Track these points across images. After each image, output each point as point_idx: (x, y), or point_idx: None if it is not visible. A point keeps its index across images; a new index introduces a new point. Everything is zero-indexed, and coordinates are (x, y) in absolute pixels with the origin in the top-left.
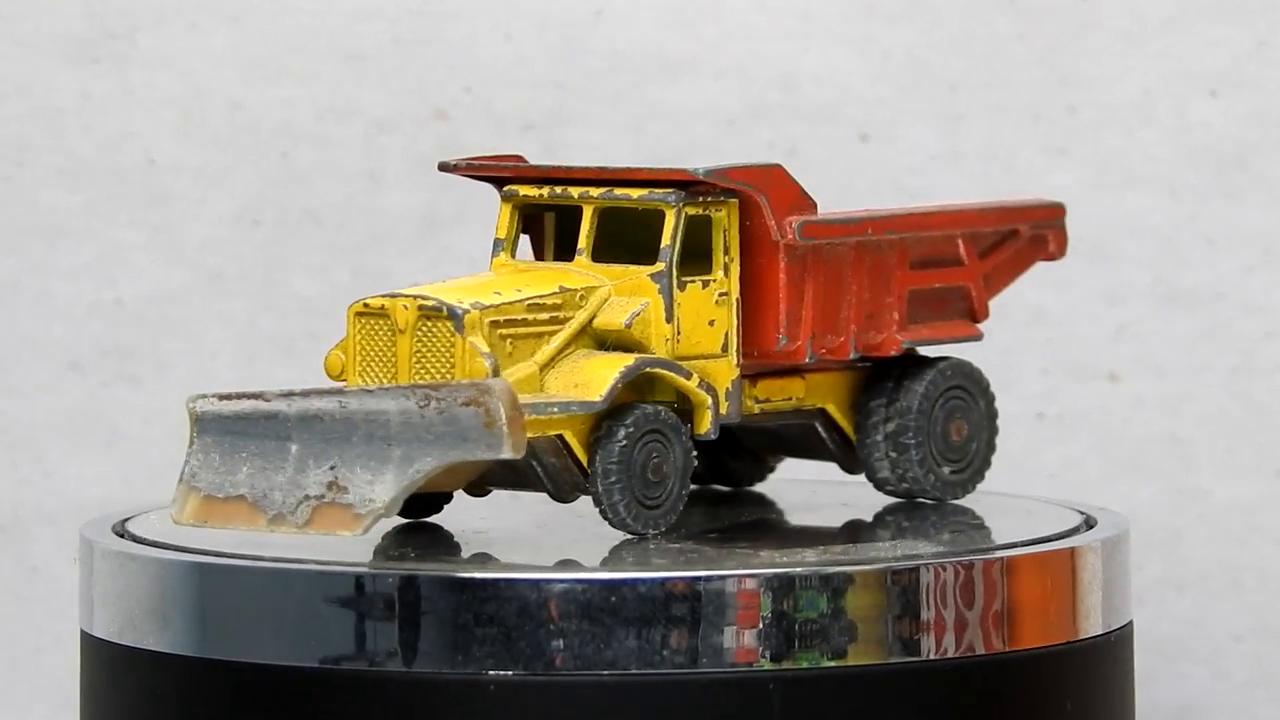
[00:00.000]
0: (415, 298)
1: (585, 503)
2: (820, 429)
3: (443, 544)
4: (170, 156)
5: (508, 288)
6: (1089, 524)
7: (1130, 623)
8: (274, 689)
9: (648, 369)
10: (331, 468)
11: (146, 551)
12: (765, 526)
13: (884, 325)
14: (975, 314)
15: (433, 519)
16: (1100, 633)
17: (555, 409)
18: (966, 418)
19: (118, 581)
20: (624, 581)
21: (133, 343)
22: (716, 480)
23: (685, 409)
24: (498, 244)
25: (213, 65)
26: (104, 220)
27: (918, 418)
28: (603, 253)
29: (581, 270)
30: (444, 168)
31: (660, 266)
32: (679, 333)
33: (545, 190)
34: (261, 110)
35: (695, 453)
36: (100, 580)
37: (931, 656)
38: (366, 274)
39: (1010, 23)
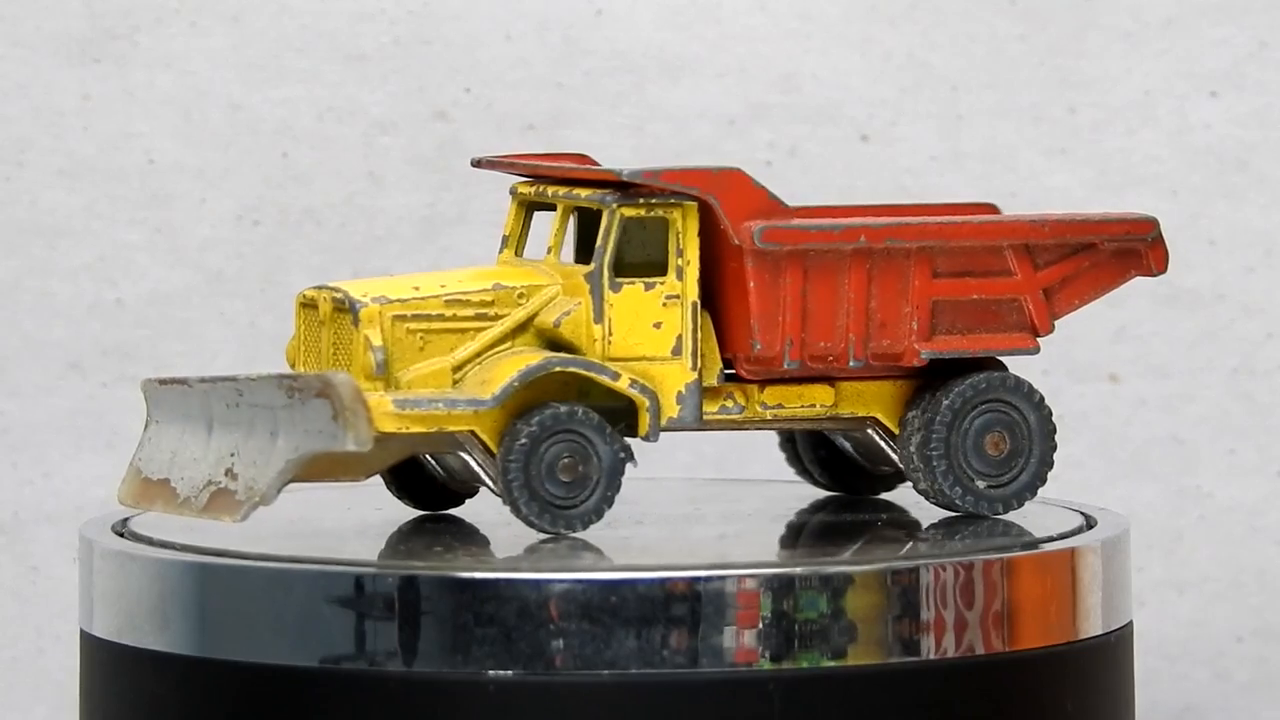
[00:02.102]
0: (332, 290)
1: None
2: (877, 437)
3: (460, 539)
4: (171, 157)
5: (434, 283)
6: (1089, 524)
7: (1130, 623)
8: (274, 689)
9: (559, 368)
10: (232, 454)
11: (146, 551)
12: (776, 528)
13: (900, 335)
14: (1035, 327)
15: (454, 511)
16: (1100, 633)
17: (441, 405)
18: (1009, 431)
19: (117, 581)
20: (624, 581)
21: (133, 343)
22: (843, 489)
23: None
24: (504, 240)
25: (213, 66)
26: (104, 221)
27: (940, 430)
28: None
29: (540, 268)
30: (475, 164)
31: (593, 267)
32: (610, 334)
33: (534, 189)
34: (262, 110)
35: (625, 457)
36: (100, 580)
37: (931, 657)
38: (367, 274)
39: (1011, 23)
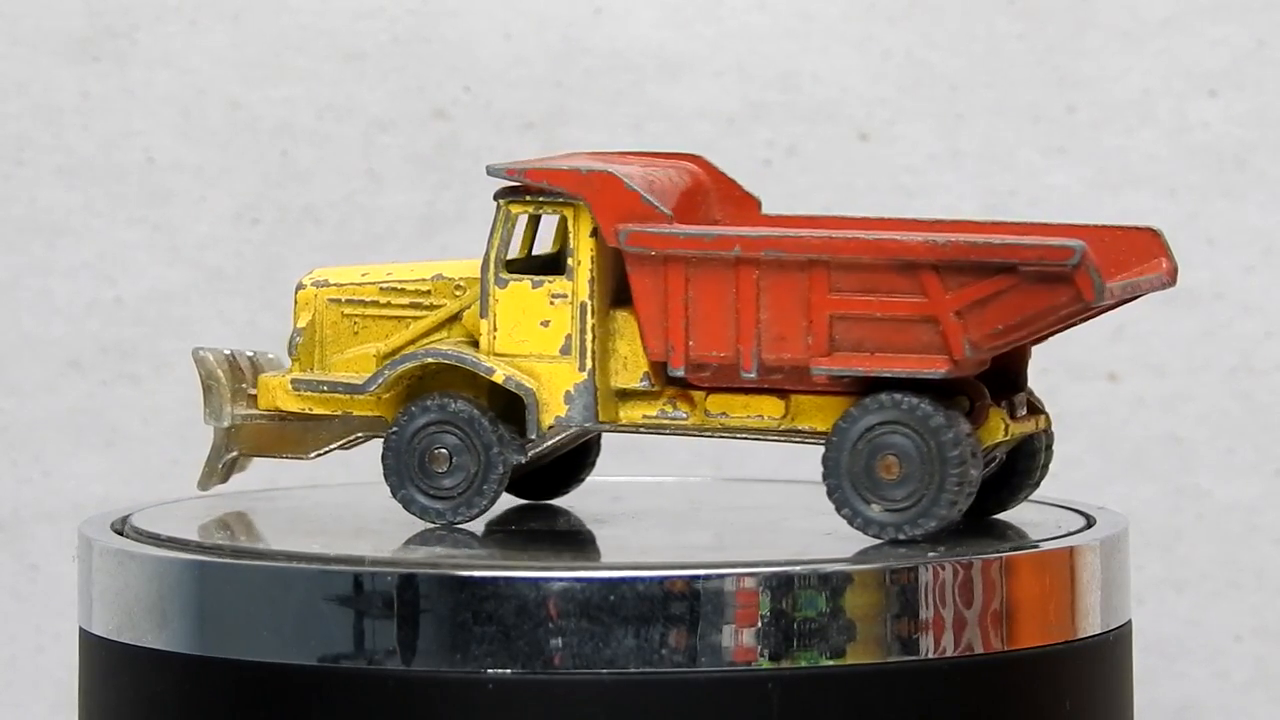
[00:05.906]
0: (306, 274)
1: (600, 502)
2: None
3: (458, 537)
4: (170, 155)
5: (381, 271)
6: (1088, 523)
7: (1129, 622)
8: (273, 687)
9: (431, 360)
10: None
11: (145, 549)
12: (775, 527)
13: (799, 349)
14: (949, 349)
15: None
16: (1099, 632)
17: (324, 387)
18: (902, 456)
19: (116, 579)
20: (622, 580)
21: (132, 341)
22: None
23: None
24: None
25: (213, 64)
26: (104, 219)
27: (832, 450)
28: None
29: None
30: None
31: (480, 261)
32: (496, 329)
33: None
34: (261, 109)
35: (500, 450)
36: (99, 578)
37: (930, 656)
38: None
39: (1010, 22)
